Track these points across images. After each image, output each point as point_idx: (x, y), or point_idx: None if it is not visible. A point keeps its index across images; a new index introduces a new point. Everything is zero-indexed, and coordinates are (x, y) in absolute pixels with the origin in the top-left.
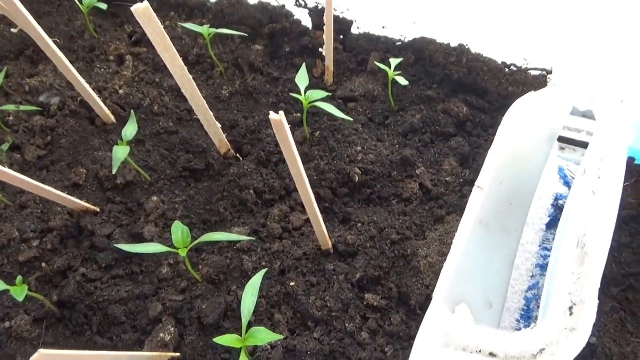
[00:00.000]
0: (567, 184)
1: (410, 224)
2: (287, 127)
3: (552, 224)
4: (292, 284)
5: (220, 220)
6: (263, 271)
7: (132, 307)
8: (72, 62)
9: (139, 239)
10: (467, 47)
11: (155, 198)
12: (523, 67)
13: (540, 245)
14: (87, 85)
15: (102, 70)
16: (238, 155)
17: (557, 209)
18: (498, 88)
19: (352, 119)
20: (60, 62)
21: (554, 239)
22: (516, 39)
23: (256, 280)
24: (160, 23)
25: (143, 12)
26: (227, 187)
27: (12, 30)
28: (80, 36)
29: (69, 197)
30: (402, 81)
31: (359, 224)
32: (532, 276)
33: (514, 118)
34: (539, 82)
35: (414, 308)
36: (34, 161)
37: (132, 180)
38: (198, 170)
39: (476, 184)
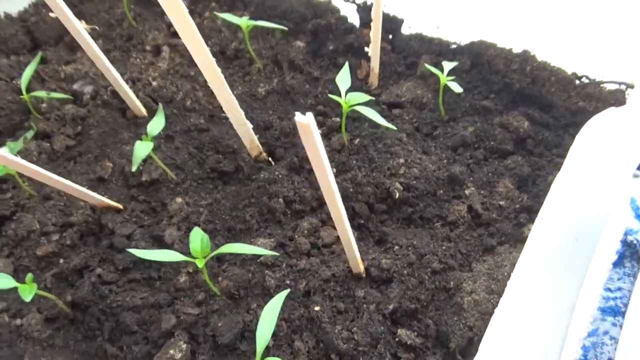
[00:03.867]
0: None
1: (455, 251)
2: (316, 132)
3: (619, 262)
4: (316, 308)
5: (245, 228)
6: (285, 292)
7: (145, 316)
8: (108, 51)
9: (159, 241)
10: (532, 53)
11: (179, 199)
12: (597, 80)
13: (603, 287)
14: (118, 76)
15: (138, 60)
16: (270, 159)
17: (626, 245)
18: (566, 102)
19: (395, 128)
20: (92, 51)
21: (618, 279)
22: (590, 46)
23: (276, 303)
24: (186, 9)
25: None
26: (256, 193)
27: (51, 14)
28: (119, 24)
29: (91, 192)
30: (456, 88)
31: (396, 247)
32: (592, 321)
33: (589, 138)
34: (616, 98)
35: (454, 351)
36: (62, 151)
37: (158, 178)
38: (226, 172)
39: (539, 214)
